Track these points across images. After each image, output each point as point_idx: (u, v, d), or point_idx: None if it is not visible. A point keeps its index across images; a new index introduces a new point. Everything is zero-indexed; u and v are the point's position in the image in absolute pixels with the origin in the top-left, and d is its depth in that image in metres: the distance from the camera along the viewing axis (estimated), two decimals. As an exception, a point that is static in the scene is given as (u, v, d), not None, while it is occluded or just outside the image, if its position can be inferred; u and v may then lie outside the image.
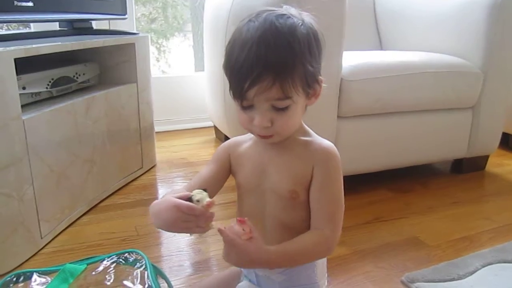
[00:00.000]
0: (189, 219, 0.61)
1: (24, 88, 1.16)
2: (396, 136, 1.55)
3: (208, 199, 0.62)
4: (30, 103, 1.21)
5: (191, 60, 2.73)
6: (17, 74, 1.05)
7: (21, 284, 0.85)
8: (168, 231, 0.65)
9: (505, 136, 1.89)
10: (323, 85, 0.69)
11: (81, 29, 1.57)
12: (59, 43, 1.22)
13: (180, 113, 2.40)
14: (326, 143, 0.72)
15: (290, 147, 0.71)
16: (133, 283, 0.85)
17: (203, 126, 2.39)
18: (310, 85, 0.66)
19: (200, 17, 2.50)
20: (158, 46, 2.74)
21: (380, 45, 2.14)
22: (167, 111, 2.34)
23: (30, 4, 1.22)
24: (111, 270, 0.88)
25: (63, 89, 1.35)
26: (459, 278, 1.05)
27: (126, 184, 1.61)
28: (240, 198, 0.77)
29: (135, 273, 0.87)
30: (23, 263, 1.10)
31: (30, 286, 0.84)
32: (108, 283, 0.85)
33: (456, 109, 1.65)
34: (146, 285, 0.84)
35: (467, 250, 1.19)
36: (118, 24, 2.00)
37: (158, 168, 1.82)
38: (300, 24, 0.64)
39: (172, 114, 2.38)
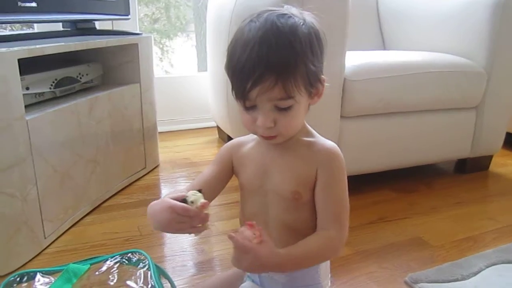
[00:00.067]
0: (183, 220, 0.62)
1: (27, 89, 1.16)
2: (399, 136, 1.54)
3: (202, 200, 0.62)
4: (33, 103, 1.21)
5: (194, 60, 2.73)
6: (20, 74, 1.05)
7: (25, 284, 0.86)
8: (164, 231, 0.66)
9: (509, 136, 1.88)
10: (326, 84, 0.69)
11: (84, 29, 1.57)
12: (63, 43, 1.22)
13: (183, 113, 2.40)
14: (329, 143, 0.71)
15: (293, 148, 0.71)
16: (136, 283, 0.85)
17: (206, 126, 2.40)
18: (313, 84, 0.66)
19: (203, 17, 2.50)
20: (161, 46, 2.74)
21: (383, 45, 2.14)
22: (170, 111, 2.34)
23: (34, 4, 1.23)
24: (114, 270, 0.89)
25: (67, 90, 1.36)
26: (463, 278, 1.04)
27: (129, 184, 1.61)
28: (243, 199, 0.77)
29: (138, 273, 0.87)
30: (26, 263, 1.10)
31: (34, 286, 0.85)
32: (112, 283, 0.86)
33: (459, 109, 1.64)
34: (149, 285, 0.84)
35: (471, 251, 1.19)
36: (121, 25, 2.00)
37: (161, 168, 1.82)
38: (301, 23, 0.64)
39: (175, 114, 2.38)
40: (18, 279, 0.86)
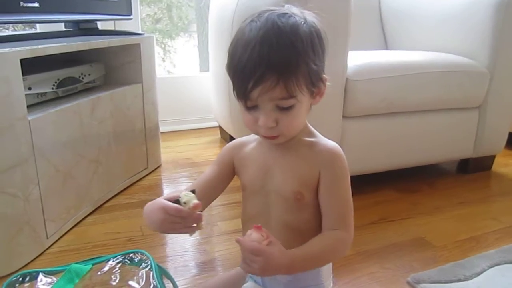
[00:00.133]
0: (176, 220, 0.62)
1: (30, 89, 1.16)
2: (402, 136, 1.54)
3: (195, 201, 0.63)
4: (36, 103, 1.21)
5: (196, 61, 2.73)
6: (23, 74, 1.05)
7: (27, 284, 0.86)
8: (159, 231, 0.66)
9: (511, 136, 1.88)
10: (327, 83, 0.69)
11: (87, 29, 1.57)
12: (65, 43, 1.23)
13: (185, 113, 2.41)
14: (331, 144, 0.71)
15: (295, 148, 0.71)
16: (139, 283, 0.85)
17: (208, 126, 2.40)
18: (314, 83, 0.66)
19: (205, 17, 2.50)
20: (163, 46, 2.74)
21: (386, 45, 2.13)
22: (172, 111, 2.34)
23: (36, 5, 1.23)
24: (116, 270, 0.89)
25: (69, 90, 1.36)
26: (466, 279, 1.04)
27: (132, 184, 1.61)
28: (245, 199, 0.77)
29: (140, 273, 0.87)
30: (29, 263, 1.11)
31: (36, 286, 0.85)
32: (114, 283, 0.86)
33: (462, 108, 1.64)
34: (152, 285, 0.84)
35: (473, 251, 1.19)
36: (123, 25, 2.00)
37: (163, 168, 1.82)
38: (302, 22, 0.64)
39: (177, 114, 2.38)
40: (20, 279, 0.86)
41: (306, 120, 0.72)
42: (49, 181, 1.16)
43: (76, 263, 0.90)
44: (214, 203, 0.78)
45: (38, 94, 1.22)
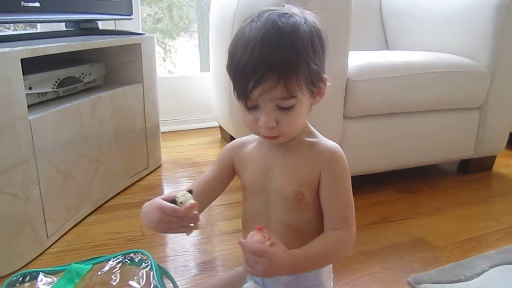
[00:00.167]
0: (172, 220, 0.63)
1: (30, 88, 1.16)
2: (402, 136, 1.54)
3: (191, 201, 0.63)
4: (36, 103, 1.21)
5: (196, 60, 2.73)
6: (23, 74, 1.05)
7: (27, 284, 0.86)
8: (156, 231, 0.67)
9: (512, 136, 1.88)
10: (328, 83, 0.69)
11: (87, 29, 1.58)
12: (65, 43, 1.23)
13: (185, 113, 2.41)
14: (332, 144, 0.71)
15: (295, 148, 0.71)
16: (139, 283, 0.85)
17: (208, 126, 2.40)
18: (315, 83, 0.66)
19: (205, 17, 2.50)
20: (164, 46, 2.74)
21: (386, 45, 2.13)
22: (173, 111, 2.34)
23: (37, 4, 1.23)
24: (116, 270, 0.89)
25: (69, 89, 1.36)
26: (466, 279, 1.04)
27: (132, 184, 1.61)
28: (245, 199, 0.77)
29: (140, 273, 0.87)
30: (29, 262, 1.11)
31: (36, 286, 0.85)
32: (114, 283, 0.85)
33: (463, 109, 1.64)
34: (152, 285, 0.84)
35: (474, 251, 1.19)
36: (124, 25, 2.00)
37: (164, 168, 1.82)
38: (302, 22, 0.64)
39: (178, 114, 2.38)
40: (20, 279, 0.86)
41: (306, 120, 0.72)
42: (50, 181, 1.16)
43: (77, 263, 0.90)
44: (214, 203, 0.78)
45: (38, 93, 1.22)
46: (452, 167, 1.86)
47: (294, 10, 0.66)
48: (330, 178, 0.68)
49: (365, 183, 1.56)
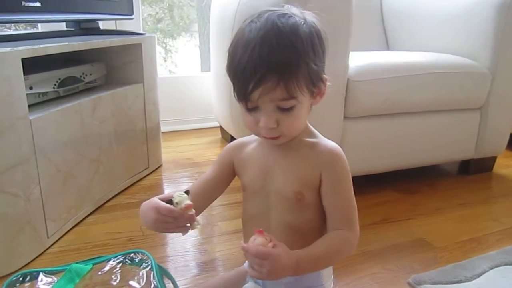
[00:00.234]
0: (168, 220, 0.64)
1: (31, 88, 1.16)
2: (403, 137, 1.54)
3: (187, 202, 0.64)
4: (37, 103, 1.21)
5: (197, 60, 2.73)
6: (24, 74, 1.05)
7: (28, 284, 0.86)
8: (153, 230, 0.67)
9: (513, 137, 1.88)
10: (328, 83, 0.69)
11: (88, 29, 1.58)
12: (66, 43, 1.23)
13: (186, 113, 2.41)
14: (332, 144, 0.71)
15: (296, 149, 0.71)
16: (139, 283, 0.85)
17: (209, 127, 2.39)
18: (315, 84, 0.66)
19: (206, 17, 2.50)
20: (164, 46, 2.74)
21: (387, 45, 2.13)
22: (174, 111, 2.34)
23: (38, 4, 1.23)
24: (117, 270, 0.89)
25: (70, 89, 1.36)
26: (466, 280, 1.04)
27: (132, 184, 1.61)
28: (246, 199, 0.77)
29: (141, 273, 0.87)
30: (29, 262, 1.11)
31: (37, 286, 0.85)
32: (114, 283, 0.85)
33: (463, 109, 1.64)
34: (152, 285, 0.84)
35: (474, 252, 1.19)
36: (125, 24, 2.00)
37: (164, 168, 1.82)
38: (302, 23, 0.64)
39: (178, 114, 2.38)
40: (21, 278, 0.86)
41: (307, 121, 0.72)
42: (50, 181, 1.16)
43: (77, 262, 0.90)
44: (214, 203, 0.78)
45: (39, 93, 1.22)
46: (453, 168, 1.86)
47: (294, 10, 0.66)
48: (331, 179, 0.68)
49: (365, 184, 1.56)
